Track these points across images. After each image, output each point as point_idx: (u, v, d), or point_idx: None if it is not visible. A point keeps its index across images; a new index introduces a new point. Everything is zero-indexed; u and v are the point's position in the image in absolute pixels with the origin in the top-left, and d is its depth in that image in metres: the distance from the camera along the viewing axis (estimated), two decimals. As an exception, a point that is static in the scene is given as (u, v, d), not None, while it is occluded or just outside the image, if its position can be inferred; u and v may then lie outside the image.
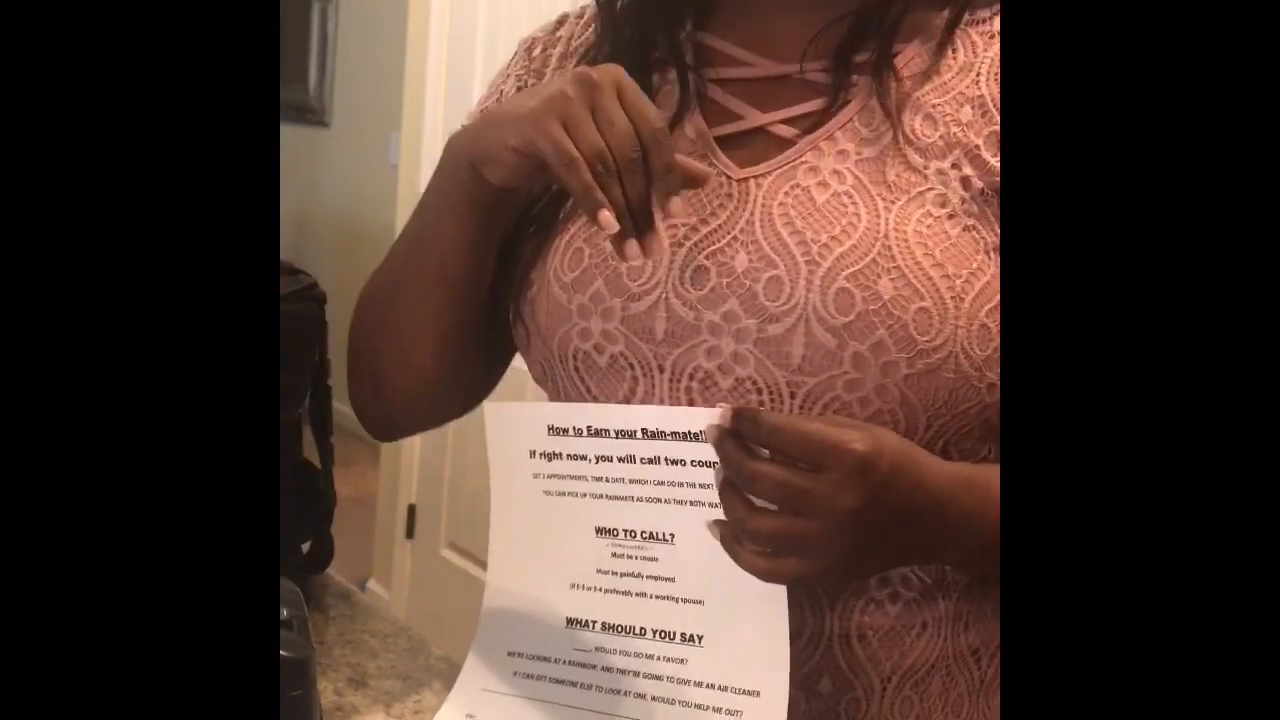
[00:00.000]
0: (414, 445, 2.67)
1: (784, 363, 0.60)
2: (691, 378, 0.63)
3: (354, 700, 0.79)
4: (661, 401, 0.64)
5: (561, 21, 0.77)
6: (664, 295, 0.63)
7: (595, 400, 0.66)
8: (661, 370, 0.63)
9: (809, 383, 0.60)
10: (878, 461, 0.54)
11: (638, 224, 0.57)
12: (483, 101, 0.79)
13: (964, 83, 0.63)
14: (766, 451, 0.55)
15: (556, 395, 0.70)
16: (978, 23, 0.65)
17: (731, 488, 0.56)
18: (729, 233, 0.62)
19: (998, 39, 0.63)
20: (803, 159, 0.63)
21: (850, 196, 0.61)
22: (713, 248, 0.62)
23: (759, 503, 0.55)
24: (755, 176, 0.63)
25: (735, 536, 0.56)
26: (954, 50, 0.64)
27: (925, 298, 0.58)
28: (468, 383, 0.76)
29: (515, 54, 0.79)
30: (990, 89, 0.62)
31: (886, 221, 0.60)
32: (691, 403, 0.63)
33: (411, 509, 2.70)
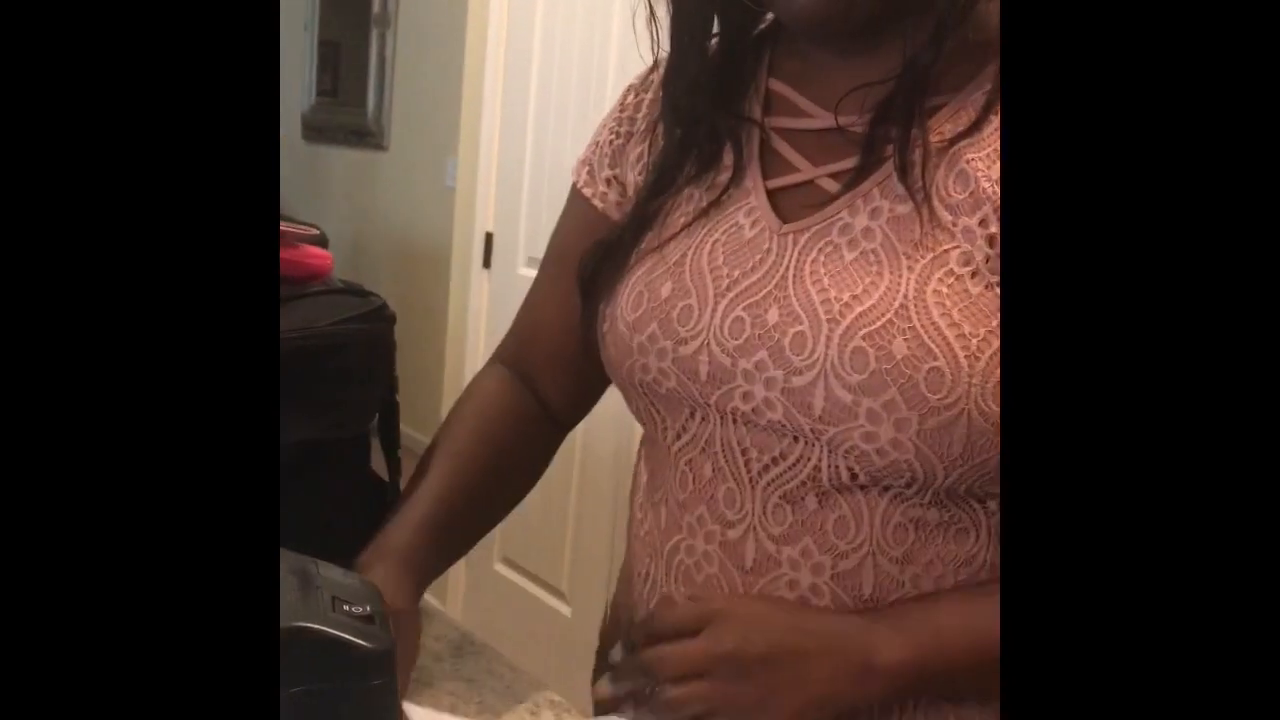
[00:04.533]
0: (469, 462, 2.71)
1: (807, 412, 0.63)
2: (734, 415, 0.67)
3: (419, 700, 0.82)
4: (714, 432, 0.69)
5: (655, 67, 0.80)
6: (706, 342, 0.67)
7: (665, 422, 0.72)
8: (709, 406, 0.68)
9: (830, 431, 0.63)
10: (735, 607, 0.64)
11: None
12: (586, 153, 0.83)
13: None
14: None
15: (636, 414, 0.75)
16: None
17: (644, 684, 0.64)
18: (765, 287, 0.66)
19: None
20: (839, 215, 0.66)
21: (876, 255, 0.63)
22: (750, 300, 0.66)
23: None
24: (795, 232, 0.67)
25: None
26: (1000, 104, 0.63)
27: (938, 357, 0.60)
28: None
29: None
30: None
31: (907, 283, 0.61)
32: (740, 439, 0.68)
33: (466, 524, 2.74)
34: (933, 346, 0.60)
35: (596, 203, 0.81)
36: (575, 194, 0.84)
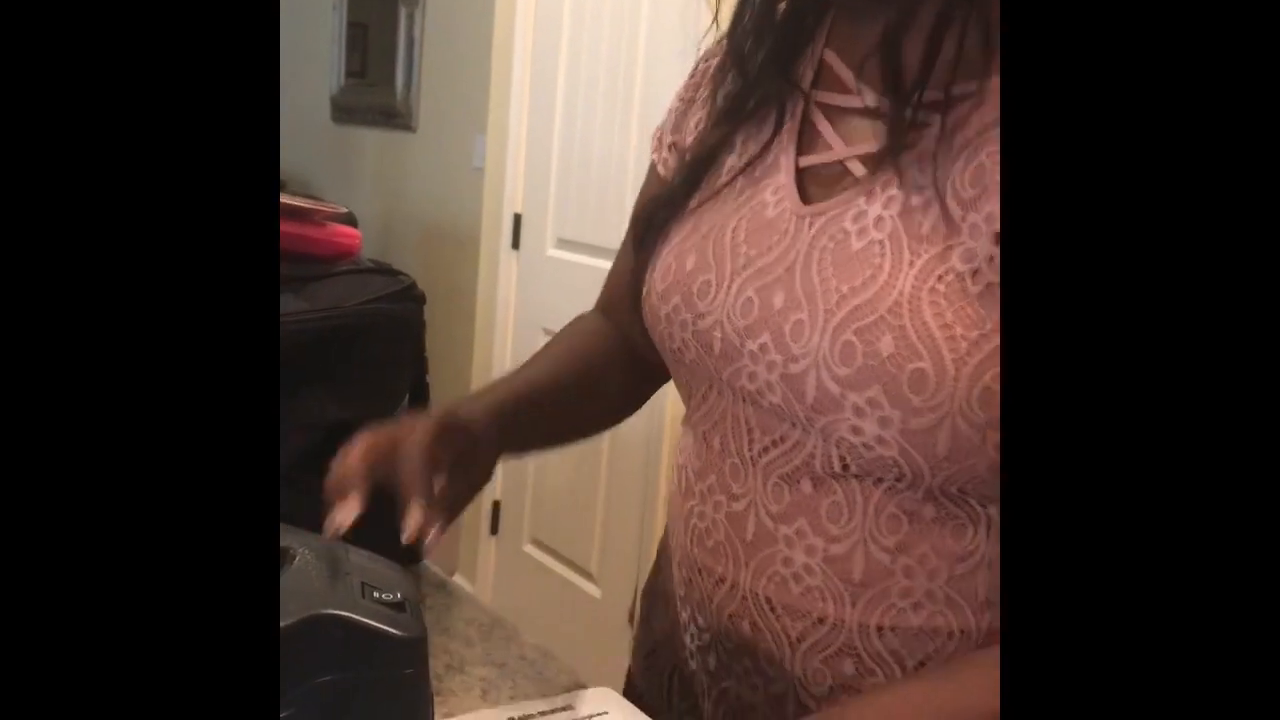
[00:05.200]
0: (498, 443, 2.71)
1: (801, 399, 0.64)
2: (743, 394, 0.68)
3: (451, 685, 0.82)
4: (725, 408, 0.70)
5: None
6: (720, 319, 0.68)
7: (690, 390, 0.74)
8: (722, 381, 0.69)
9: (820, 420, 0.63)
10: None
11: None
12: (660, 122, 0.85)
13: None
14: None
15: (674, 380, 0.77)
16: None
17: None
18: (776, 270, 0.66)
19: None
20: (856, 201, 0.64)
21: (882, 246, 0.62)
22: (761, 282, 0.66)
23: None
24: (812, 215, 0.66)
25: None
26: None
27: (924, 358, 0.58)
28: None
29: None
30: None
31: (906, 278, 0.60)
32: (747, 417, 0.68)
33: (496, 506, 2.75)
34: (919, 347, 0.59)
35: (660, 169, 0.82)
36: (651, 162, 0.85)
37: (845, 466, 0.64)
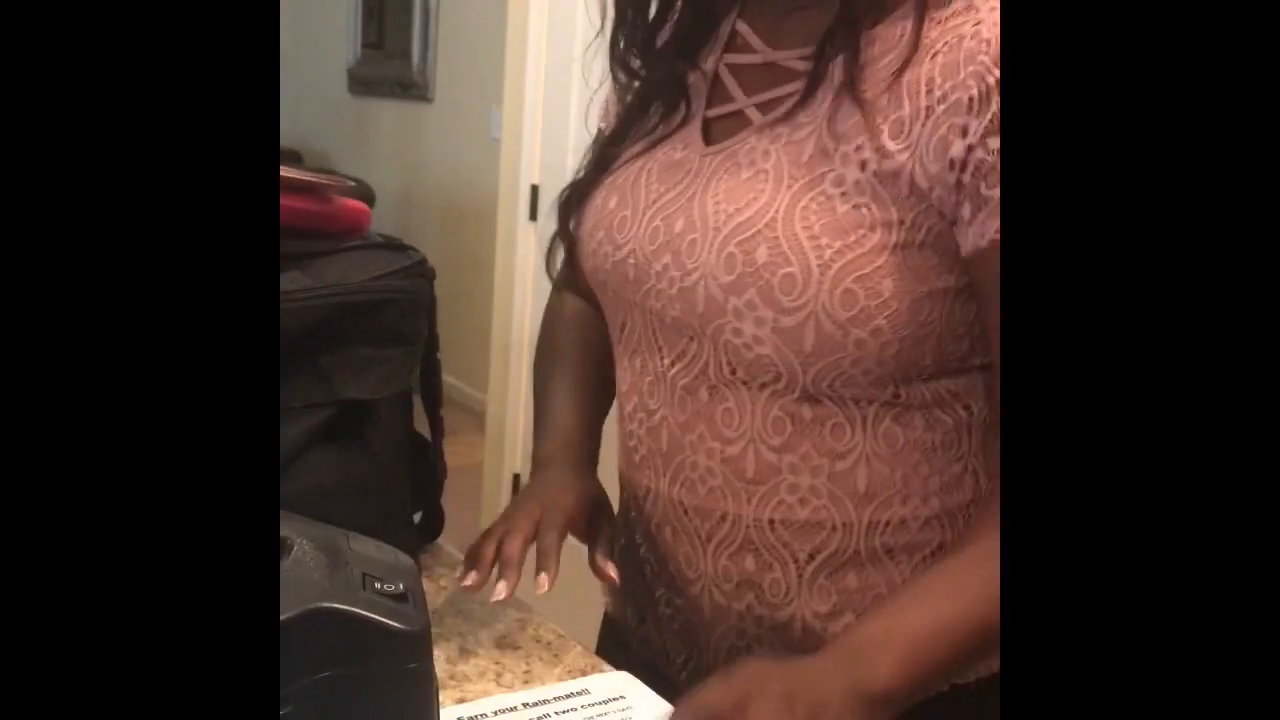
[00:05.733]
0: (519, 415, 2.70)
1: (694, 309, 0.74)
2: (652, 313, 0.77)
3: (465, 670, 0.80)
4: (641, 331, 0.79)
5: None
6: (633, 248, 0.78)
7: (614, 320, 0.83)
8: (636, 305, 0.79)
9: (710, 326, 0.73)
10: (751, 661, 0.67)
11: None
12: (606, 94, 0.96)
13: (891, 69, 0.69)
14: None
15: (605, 313, 0.86)
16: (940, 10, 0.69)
17: None
18: (679, 201, 0.76)
19: (940, 25, 0.68)
20: (749, 141, 0.74)
21: (766, 175, 0.72)
22: (667, 212, 0.76)
23: None
24: (712, 154, 0.76)
25: None
26: (900, 37, 0.69)
27: (793, 264, 0.68)
28: None
29: None
30: (909, 75, 0.68)
31: (783, 199, 0.70)
32: (657, 335, 0.78)
33: (516, 478, 2.74)
34: (789, 254, 0.68)
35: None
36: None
37: (733, 372, 0.74)
